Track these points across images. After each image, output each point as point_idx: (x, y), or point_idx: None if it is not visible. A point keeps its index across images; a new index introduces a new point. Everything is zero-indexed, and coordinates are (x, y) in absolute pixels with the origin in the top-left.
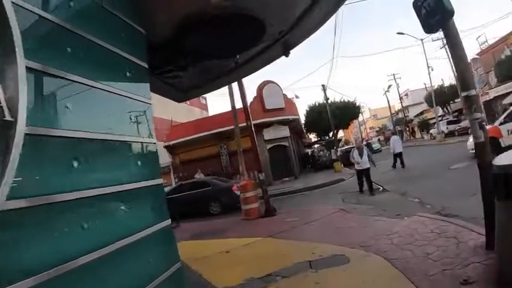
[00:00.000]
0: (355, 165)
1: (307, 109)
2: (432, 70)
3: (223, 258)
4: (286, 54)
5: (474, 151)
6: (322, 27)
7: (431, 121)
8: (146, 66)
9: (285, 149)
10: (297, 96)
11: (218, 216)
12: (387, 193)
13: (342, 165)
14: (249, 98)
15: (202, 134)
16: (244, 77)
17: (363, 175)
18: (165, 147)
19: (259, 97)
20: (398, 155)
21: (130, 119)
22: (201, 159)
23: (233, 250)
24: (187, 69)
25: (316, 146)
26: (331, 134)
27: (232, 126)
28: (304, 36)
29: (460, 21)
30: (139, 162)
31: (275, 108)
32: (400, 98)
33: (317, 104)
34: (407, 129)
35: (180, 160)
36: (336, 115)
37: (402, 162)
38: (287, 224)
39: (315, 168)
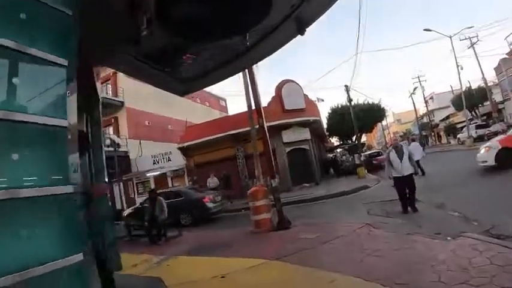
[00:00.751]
0: (392, 172)
1: (330, 111)
2: (462, 69)
3: (215, 286)
4: (302, 33)
5: (486, 163)
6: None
7: (458, 125)
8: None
9: (306, 153)
10: (320, 100)
11: (227, 225)
12: (419, 204)
13: (366, 171)
14: (268, 98)
15: (218, 136)
16: (255, 63)
17: (405, 185)
18: (179, 148)
19: (278, 97)
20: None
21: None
22: (217, 162)
23: (230, 275)
24: (185, 53)
25: (338, 150)
26: (354, 138)
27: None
28: (320, 12)
29: (486, 20)
30: (32, 156)
31: (295, 109)
32: (425, 102)
33: (340, 106)
34: (433, 134)
35: (195, 163)
36: (360, 118)
37: (422, 170)
38: (302, 242)
39: (337, 174)
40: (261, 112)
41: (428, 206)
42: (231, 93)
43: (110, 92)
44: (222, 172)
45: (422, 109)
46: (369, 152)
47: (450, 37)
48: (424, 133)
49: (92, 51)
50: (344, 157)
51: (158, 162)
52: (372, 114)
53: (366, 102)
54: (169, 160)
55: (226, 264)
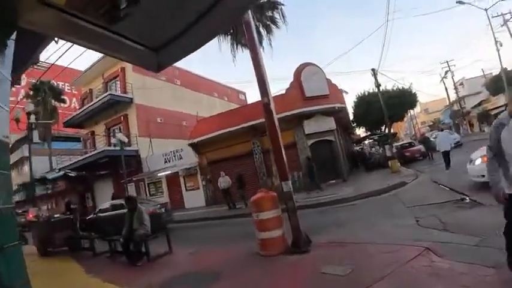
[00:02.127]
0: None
1: (355, 100)
2: (501, 46)
3: None
4: None
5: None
6: None
7: (493, 112)
8: None
9: (331, 145)
10: (344, 91)
11: (236, 235)
12: (481, 208)
13: (399, 164)
14: (285, 85)
15: (231, 129)
16: (238, 14)
17: None
18: (190, 145)
19: (297, 82)
20: (445, 154)
21: None
22: (231, 159)
23: None
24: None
25: (366, 141)
26: (383, 128)
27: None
28: None
29: None
30: None
31: (317, 96)
32: (455, 88)
33: (366, 93)
34: (465, 122)
35: (208, 160)
36: (389, 105)
37: (448, 163)
38: (325, 282)
39: (366, 168)
40: (267, 90)
41: (494, 210)
42: (254, 86)
43: (119, 89)
44: (235, 170)
45: (451, 97)
46: (400, 143)
47: (486, 10)
48: (455, 121)
49: None
50: (373, 149)
51: (170, 161)
52: (402, 101)
53: (395, 88)
54: (180, 158)
55: None
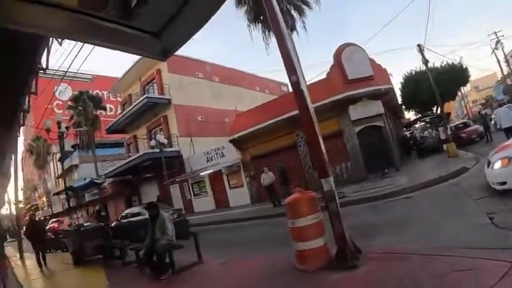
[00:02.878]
0: None
1: (402, 81)
2: None
3: None
4: None
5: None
6: None
7: None
8: None
9: (380, 131)
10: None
11: (269, 244)
12: None
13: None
14: (326, 69)
15: (272, 121)
16: None
17: None
18: (231, 141)
19: (338, 64)
20: (508, 131)
21: None
22: (274, 153)
23: None
24: None
25: (417, 125)
26: (434, 109)
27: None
28: None
29: None
30: None
31: (361, 78)
32: (507, 60)
33: (413, 73)
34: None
35: (250, 156)
36: (440, 83)
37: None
38: None
39: (418, 154)
40: (294, 69)
41: None
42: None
43: (156, 91)
44: (277, 165)
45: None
46: (454, 124)
47: None
48: (508, 98)
49: None
50: (425, 132)
51: (212, 159)
52: (453, 77)
53: (444, 64)
54: (223, 156)
55: None
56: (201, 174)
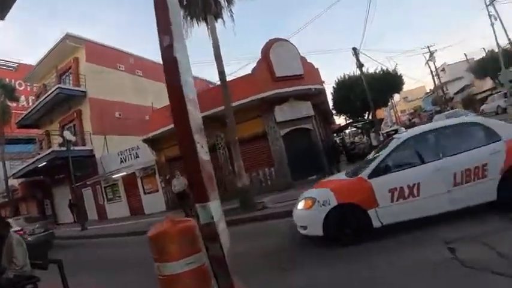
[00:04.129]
0: None
1: (334, 85)
2: (496, 19)
3: None
4: None
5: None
6: None
7: (478, 97)
8: None
9: (309, 134)
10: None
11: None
12: None
13: None
14: (253, 64)
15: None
16: None
17: None
18: (144, 141)
19: (266, 60)
20: None
21: None
22: None
23: None
24: None
25: (347, 131)
26: (366, 115)
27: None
28: None
29: None
30: None
31: (290, 76)
32: (436, 74)
33: (347, 77)
34: (448, 108)
35: (166, 157)
36: (373, 88)
37: None
38: None
39: (348, 159)
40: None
41: None
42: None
43: (71, 82)
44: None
45: (429, 85)
46: (386, 131)
47: None
48: (437, 108)
49: None
50: (356, 138)
51: (125, 160)
52: (387, 84)
53: (378, 71)
54: (137, 157)
55: None
56: (114, 176)
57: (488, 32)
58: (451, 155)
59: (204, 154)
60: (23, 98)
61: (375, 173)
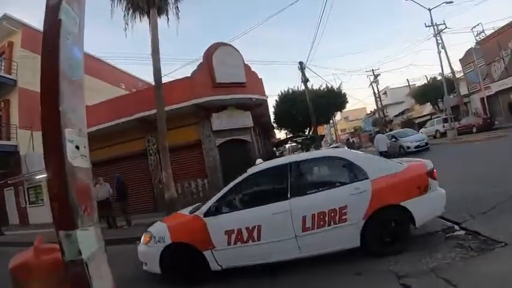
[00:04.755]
0: None
1: (277, 98)
2: (443, 48)
3: None
4: None
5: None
6: None
7: (417, 120)
8: None
9: (246, 146)
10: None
11: None
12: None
13: None
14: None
15: (120, 121)
16: None
17: None
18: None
19: (207, 65)
20: (382, 154)
21: None
22: (120, 160)
23: None
24: None
25: (287, 146)
26: (307, 131)
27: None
28: None
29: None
30: None
31: (232, 83)
32: (379, 96)
33: (290, 91)
34: (387, 129)
35: (93, 161)
36: (317, 105)
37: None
38: None
39: None
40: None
41: None
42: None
43: (3, 68)
44: (115, 175)
45: (370, 107)
46: (326, 147)
47: (429, 9)
48: (376, 129)
49: None
50: (295, 153)
51: None
52: (331, 101)
53: (322, 88)
54: None
55: None
56: (36, 177)
57: (431, 60)
58: (302, 195)
59: (78, 158)
60: None
61: (210, 212)
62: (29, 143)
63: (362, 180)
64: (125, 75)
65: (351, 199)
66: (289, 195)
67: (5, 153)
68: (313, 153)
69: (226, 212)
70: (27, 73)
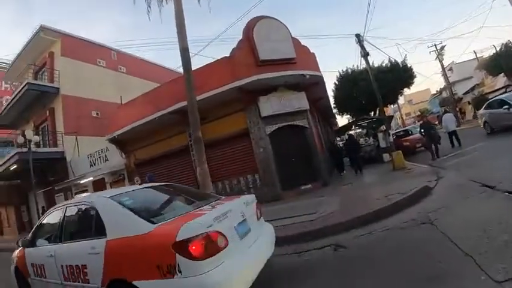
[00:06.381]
0: None
1: (336, 81)
2: None
3: None
4: None
5: None
6: None
7: (491, 96)
8: None
9: (303, 133)
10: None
11: None
12: None
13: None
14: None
15: (157, 115)
16: None
17: None
18: (110, 141)
19: (248, 40)
20: (452, 134)
21: None
22: (165, 158)
23: None
24: None
25: (351, 132)
26: (373, 113)
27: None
28: None
29: None
30: None
31: (278, 60)
32: (445, 73)
33: (349, 71)
34: (457, 109)
35: (136, 160)
36: (381, 82)
37: (458, 140)
38: None
39: (352, 165)
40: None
41: None
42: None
43: (46, 78)
44: (147, 174)
45: (433, 87)
46: (394, 132)
47: None
48: (447, 109)
49: None
50: (361, 140)
51: (95, 164)
52: (396, 76)
53: (384, 64)
54: (106, 160)
55: None
56: (81, 182)
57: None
58: (64, 242)
59: None
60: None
61: (26, 242)
62: (74, 148)
63: (99, 238)
64: (155, 66)
65: (90, 259)
66: (58, 240)
67: (51, 160)
68: (81, 197)
69: (33, 246)
70: (69, 80)
